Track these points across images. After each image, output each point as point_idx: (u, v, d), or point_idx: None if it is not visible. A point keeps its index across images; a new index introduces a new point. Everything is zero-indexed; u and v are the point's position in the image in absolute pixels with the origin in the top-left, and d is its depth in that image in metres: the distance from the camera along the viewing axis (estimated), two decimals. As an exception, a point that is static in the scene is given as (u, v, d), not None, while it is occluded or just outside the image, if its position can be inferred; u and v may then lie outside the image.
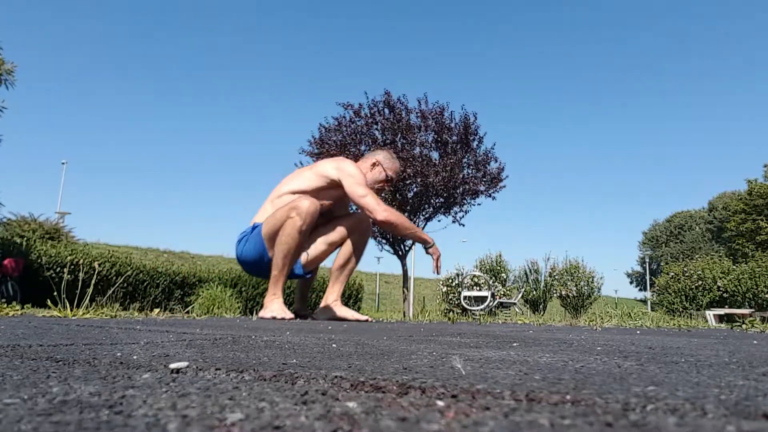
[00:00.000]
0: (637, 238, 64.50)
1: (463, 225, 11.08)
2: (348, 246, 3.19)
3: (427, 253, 3.20)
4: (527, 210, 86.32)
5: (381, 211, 3.02)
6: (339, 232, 3.17)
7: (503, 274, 12.49)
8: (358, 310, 10.74)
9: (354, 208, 3.47)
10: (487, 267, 12.65)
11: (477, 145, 10.83)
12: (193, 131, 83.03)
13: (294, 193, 3.09)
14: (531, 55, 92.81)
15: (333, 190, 3.15)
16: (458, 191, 10.67)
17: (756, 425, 0.37)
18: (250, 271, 3.26)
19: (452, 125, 10.74)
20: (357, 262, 3.25)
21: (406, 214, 10.84)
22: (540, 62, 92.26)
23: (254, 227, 3.13)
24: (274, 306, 2.90)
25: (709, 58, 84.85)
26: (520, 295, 11.87)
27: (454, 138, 10.64)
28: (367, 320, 3.06)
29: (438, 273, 3.27)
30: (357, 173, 3.11)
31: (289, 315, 2.85)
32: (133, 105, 78.08)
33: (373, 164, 3.30)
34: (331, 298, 3.19)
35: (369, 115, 10.72)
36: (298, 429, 0.36)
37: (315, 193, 3.10)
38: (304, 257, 3.17)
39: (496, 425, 0.37)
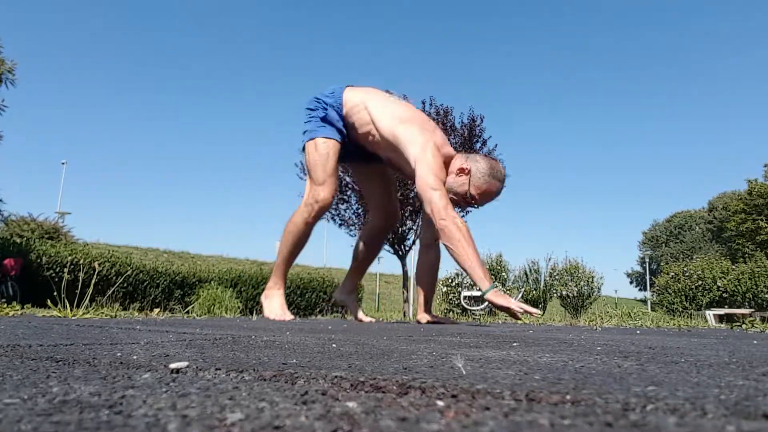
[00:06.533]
0: (637, 238, 64.44)
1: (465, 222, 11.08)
2: (372, 234, 3.20)
3: (483, 300, 2.52)
4: (527, 210, 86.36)
5: (444, 218, 2.44)
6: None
7: (503, 274, 12.49)
8: (358, 310, 10.71)
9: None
10: (487, 267, 12.65)
11: (480, 147, 10.84)
12: (193, 131, 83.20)
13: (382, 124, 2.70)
14: (531, 54, 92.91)
15: (395, 153, 2.71)
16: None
17: (756, 425, 0.37)
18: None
19: (457, 126, 10.76)
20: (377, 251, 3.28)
21: (407, 213, 10.68)
22: (540, 62, 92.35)
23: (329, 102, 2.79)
24: (275, 304, 2.88)
25: (709, 58, 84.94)
26: (520, 295, 11.86)
27: (458, 140, 10.64)
28: (370, 321, 3.06)
29: (518, 320, 2.79)
30: (433, 162, 2.57)
31: (289, 316, 2.84)
32: (133, 105, 78.21)
33: (461, 170, 2.66)
34: (350, 287, 3.28)
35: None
36: (298, 429, 0.36)
37: (387, 144, 2.71)
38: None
39: (496, 425, 0.37)
